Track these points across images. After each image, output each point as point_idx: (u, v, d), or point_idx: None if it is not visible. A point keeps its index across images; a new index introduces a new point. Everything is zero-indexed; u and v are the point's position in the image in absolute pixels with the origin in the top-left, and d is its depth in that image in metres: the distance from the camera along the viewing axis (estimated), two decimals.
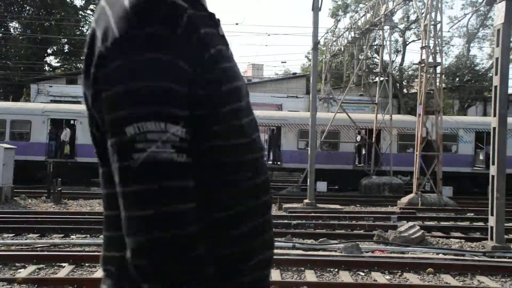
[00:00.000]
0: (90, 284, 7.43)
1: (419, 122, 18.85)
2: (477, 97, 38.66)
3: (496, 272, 8.72)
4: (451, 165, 22.61)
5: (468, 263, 9.15)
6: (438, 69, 19.68)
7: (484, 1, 36.33)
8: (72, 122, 23.97)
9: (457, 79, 38.30)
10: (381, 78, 24.99)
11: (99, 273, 8.05)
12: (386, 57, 27.49)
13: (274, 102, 37.90)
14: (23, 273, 8.00)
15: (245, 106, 1.25)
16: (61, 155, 23.23)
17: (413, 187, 18.80)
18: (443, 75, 24.28)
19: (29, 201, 17.02)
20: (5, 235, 11.23)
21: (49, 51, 42.77)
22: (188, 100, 1.05)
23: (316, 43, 18.44)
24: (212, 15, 1.24)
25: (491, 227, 10.76)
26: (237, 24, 56.74)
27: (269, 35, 61.66)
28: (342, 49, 27.96)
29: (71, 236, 11.44)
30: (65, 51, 43.73)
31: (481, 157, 25.22)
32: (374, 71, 31.28)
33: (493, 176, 10.75)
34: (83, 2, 43.17)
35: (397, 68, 39.03)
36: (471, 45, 39.30)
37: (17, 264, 8.47)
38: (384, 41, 24.34)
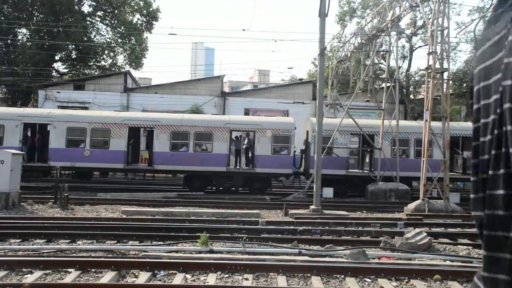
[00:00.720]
0: None
1: (426, 127, 18.78)
2: None
3: None
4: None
5: (476, 270, 9.05)
6: (445, 75, 19.63)
7: (492, 7, 36.22)
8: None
9: (464, 85, 38.15)
10: (388, 84, 24.94)
11: (105, 278, 8.07)
12: (392, 63, 27.49)
13: (280, 108, 37.94)
14: (29, 278, 8.02)
15: None
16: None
17: (420, 194, 18.71)
18: (450, 81, 24.21)
19: (36, 206, 17.09)
20: (12, 241, 11.28)
21: (56, 57, 43.09)
22: None
23: (322, 49, 18.45)
24: None
25: None
26: (244, 30, 56.80)
27: (276, 41, 61.67)
28: (349, 55, 27.95)
29: (78, 242, 11.47)
30: (73, 57, 44.04)
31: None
32: (381, 77, 31.27)
33: None
34: (91, 8, 43.54)
35: (403, 74, 38.95)
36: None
37: (24, 270, 8.50)
38: (391, 47, 24.32)
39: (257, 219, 15.04)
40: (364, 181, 23.43)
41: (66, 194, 17.06)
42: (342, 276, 8.58)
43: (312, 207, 17.34)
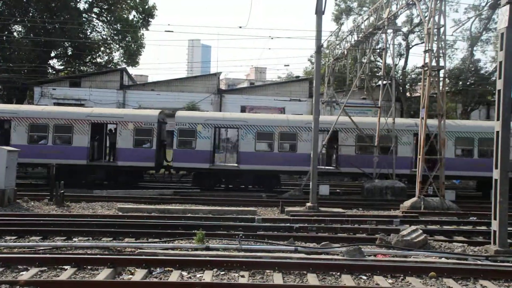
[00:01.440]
0: (93, 287, 7.44)
1: (422, 125, 18.83)
2: (480, 101, 38.58)
3: (499, 277, 8.68)
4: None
5: (471, 267, 9.12)
6: (442, 73, 19.66)
7: (488, 5, 36.29)
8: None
9: (460, 82, 38.23)
10: (384, 82, 24.97)
11: (101, 275, 8.06)
12: (389, 61, 27.52)
13: (277, 105, 37.95)
14: (25, 275, 8.01)
15: None
16: None
17: (416, 191, 18.76)
18: (446, 79, 24.26)
19: (32, 203, 17.03)
20: (8, 238, 11.25)
21: (52, 54, 42.90)
22: None
23: (319, 47, 18.45)
24: None
25: (494, 231, 10.73)
26: (240, 27, 56.77)
27: (272, 38, 61.83)
28: (345, 52, 27.96)
29: (74, 239, 11.45)
30: (69, 54, 43.87)
31: None
32: (377, 74, 31.30)
33: (496, 180, 10.72)
34: (87, 5, 43.34)
35: (400, 71, 38.99)
36: (475, 48, 39.25)
37: (19, 267, 8.48)
38: (387, 45, 24.34)
39: (253, 216, 15.05)
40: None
41: (62, 191, 17.02)
42: (338, 273, 8.61)
43: (308, 204, 17.38)
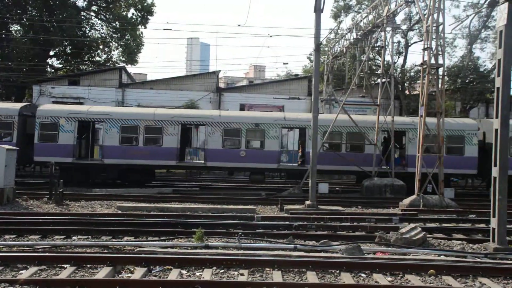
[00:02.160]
0: (92, 285, 7.44)
1: (421, 123, 18.83)
2: (479, 99, 38.59)
3: (498, 274, 8.70)
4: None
5: (470, 265, 9.13)
6: (440, 71, 19.66)
7: (486, 2, 36.29)
8: None
9: (459, 80, 38.23)
10: (383, 80, 24.97)
11: (100, 274, 8.06)
12: (388, 58, 27.50)
13: (276, 104, 37.93)
14: (25, 274, 8.01)
15: None
16: None
17: (415, 189, 18.77)
18: (445, 77, 24.23)
19: (31, 202, 17.04)
20: (7, 236, 11.25)
21: (51, 52, 42.84)
22: None
23: (318, 45, 18.44)
24: None
25: (493, 229, 10.74)
26: (239, 25, 56.66)
27: (271, 36, 61.61)
28: (344, 50, 27.95)
29: (73, 237, 11.46)
30: (68, 52, 43.81)
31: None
32: (376, 72, 31.29)
33: (495, 178, 10.73)
34: (85, 3, 43.27)
35: (399, 69, 38.98)
36: (473, 46, 39.26)
37: (19, 265, 8.47)
38: (386, 43, 24.34)
39: (252, 214, 15.06)
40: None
41: (61, 189, 17.01)
42: (337, 271, 8.61)
43: (307, 202, 17.39)
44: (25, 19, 39.43)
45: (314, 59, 18.78)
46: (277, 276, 8.25)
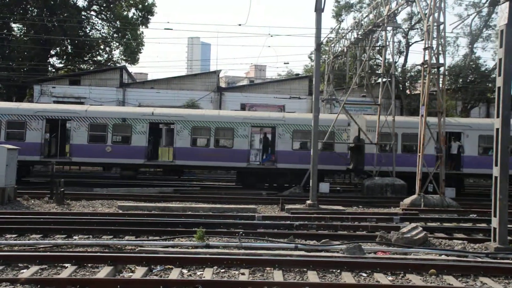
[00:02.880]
0: (93, 284, 7.44)
1: (422, 123, 18.82)
2: (480, 98, 38.57)
3: (499, 274, 8.69)
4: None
5: (471, 265, 9.12)
6: (441, 70, 19.64)
7: (488, 2, 36.26)
8: None
9: (460, 80, 38.21)
10: (384, 79, 24.96)
11: (101, 273, 8.07)
12: (389, 58, 27.47)
13: (277, 103, 37.93)
14: (26, 273, 8.01)
15: None
16: None
17: (416, 188, 18.76)
18: (446, 76, 24.23)
19: (32, 201, 17.05)
20: (8, 236, 11.26)
21: (52, 52, 42.86)
22: None
23: (319, 44, 18.43)
24: None
25: (494, 229, 10.73)
26: (240, 25, 56.64)
27: (272, 36, 61.72)
28: (345, 50, 27.94)
29: (74, 237, 11.46)
30: (68, 52, 43.84)
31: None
32: (377, 72, 31.27)
33: (496, 177, 10.72)
34: (86, 3, 43.28)
35: (400, 69, 38.97)
36: (475, 45, 39.23)
37: (20, 265, 8.48)
38: (387, 42, 24.32)
39: (253, 214, 15.05)
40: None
41: (62, 189, 17.02)
42: (338, 271, 8.61)
43: (308, 202, 17.38)
44: (26, 19, 39.45)
45: (315, 59, 18.78)
46: (278, 276, 8.25)
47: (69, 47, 43.13)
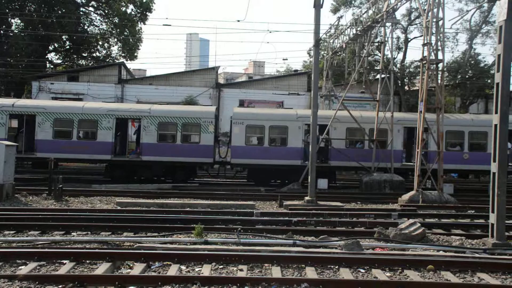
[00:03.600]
0: (91, 281, 7.45)
1: (421, 119, 18.82)
2: (478, 94, 38.55)
3: (497, 269, 8.72)
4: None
5: (469, 260, 9.15)
6: (440, 66, 19.62)
7: None
8: None
9: (459, 76, 38.17)
10: (383, 75, 24.92)
11: (100, 270, 8.07)
12: (387, 54, 27.42)
13: (276, 99, 37.90)
14: (24, 270, 8.01)
15: None
16: None
17: (414, 184, 18.78)
18: (445, 72, 24.21)
19: (30, 198, 17.03)
20: (6, 232, 11.26)
21: (50, 48, 42.73)
22: None
23: (317, 40, 18.40)
24: None
25: (492, 224, 10.75)
26: (238, 21, 56.56)
27: (270, 32, 61.59)
28: (344, 46, 27.89)
29: (72, 233, 11.47)
30: (67, 48, 43.70)
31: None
32: (376, 68, 31.23)
33: (494, 173, 10.73)
34: None
35: (398, 65, 38.91)
36: (474, 41, 39.16)
37: (18, 261, 8.48)
38: (386, 38, 24.28)
39: (252, 210, 15.07)
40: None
41: (61, 185, 17.00)
42: (337, 267, 8.62)
43: (306, 198, 17.39)
44: (24, 15, 39.31)
45: (313, 55, 18.75)
46: (276, 272, 8.26)
47: (67, 43, 42.99)
